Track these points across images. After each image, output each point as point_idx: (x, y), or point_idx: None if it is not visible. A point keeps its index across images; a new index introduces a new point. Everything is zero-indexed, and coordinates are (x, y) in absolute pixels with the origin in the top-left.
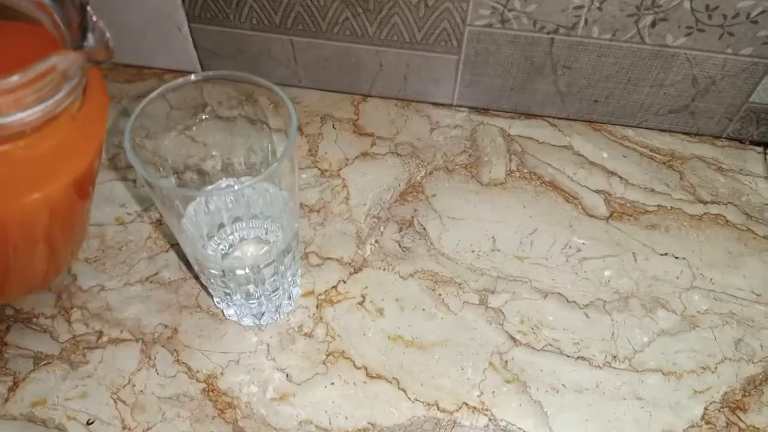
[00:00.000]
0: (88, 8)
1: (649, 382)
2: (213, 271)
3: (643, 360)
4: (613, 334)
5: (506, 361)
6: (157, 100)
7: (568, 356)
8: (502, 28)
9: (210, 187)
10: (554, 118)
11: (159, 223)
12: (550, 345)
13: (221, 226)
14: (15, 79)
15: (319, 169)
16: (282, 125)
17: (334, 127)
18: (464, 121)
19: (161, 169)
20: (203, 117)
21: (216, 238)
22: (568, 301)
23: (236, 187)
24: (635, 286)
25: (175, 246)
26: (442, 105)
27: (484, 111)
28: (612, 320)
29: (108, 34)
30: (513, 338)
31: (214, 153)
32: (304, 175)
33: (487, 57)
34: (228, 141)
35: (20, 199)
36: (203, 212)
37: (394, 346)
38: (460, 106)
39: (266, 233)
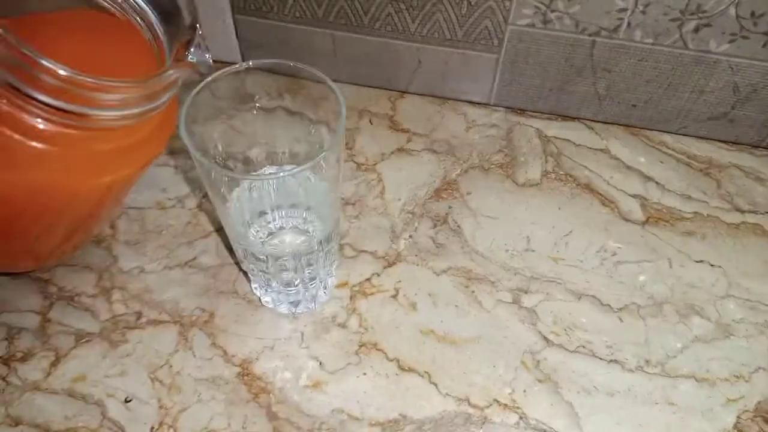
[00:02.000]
0: (200, 30)
1: (682, 389)
2: (255, 257)
3: (676, 366)
4: (646, 338)
5: (538, 361)
6: (206, 89)
7: (600, 359)
8: (543, 29)
9: (257, 173)
10: (591, 120)
11: (198, 209)
12: (583, 347)
13: (262, 213)
14: (149, 86)
15: (355, 162)
16: (324, 117)
17: (370, 122)
18: (500, 120)
19: (209, 155)
20: (255, 105)
21: (256, 225)
22: (602, 304)
23: (281, 174)
24: (670, 292)
25: (213, 233)
26: (479, 104)
27: (520, 111)
28: (645, 325)
29: (210, 54)
30: (546, 338)
31: (259, 141)
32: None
33: (527, 57)
34: (272, 131)
35: (95, 179)
36: (246, 198)
37: (426, 340)
38: (497, 105)
39: (304, 222)
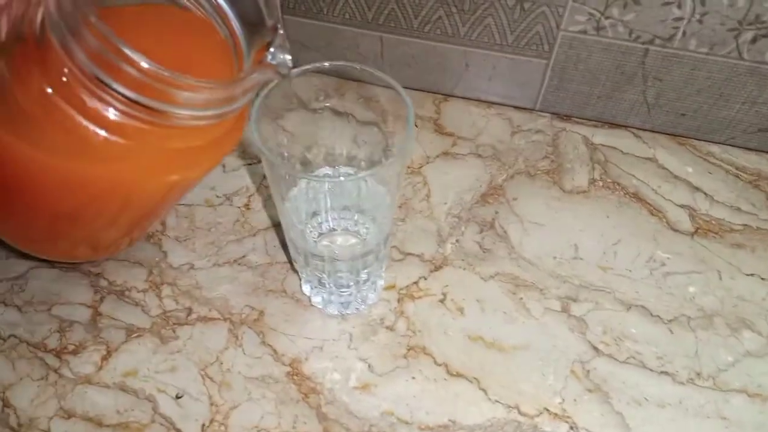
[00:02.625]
0: (281, 30)
1: (734, 403)
2: (312, 257)
3: (728, 380)
4: (696, 351)
5: (588, 371)
6: (276, 88)
7: (651, 370)
8: (596, 35)
9: (323, 173)
10: (638, 129)
11: (246, 208)
12: (633, 357)
13: (315, 214)
14: (233, 88)
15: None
16: (384, 121)
17: (416, 125)
18: (546, 126)
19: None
20: (317, 106)
21: (309, 226)
22: (651, 314)
23: (342, 178)
24: (720, 305)
25: (262, 231)
26: (524, 109)
27: (566, 117)
28: (696, 337)
29: (290, 56)
30: (595, 348)
31: (317, 142)
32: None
33: (577, 63)
34: (329, 132)
35: (163, 177)
36: (303, 199)
37: (474, 346)
38: (542, 111)
39: (355, 225)
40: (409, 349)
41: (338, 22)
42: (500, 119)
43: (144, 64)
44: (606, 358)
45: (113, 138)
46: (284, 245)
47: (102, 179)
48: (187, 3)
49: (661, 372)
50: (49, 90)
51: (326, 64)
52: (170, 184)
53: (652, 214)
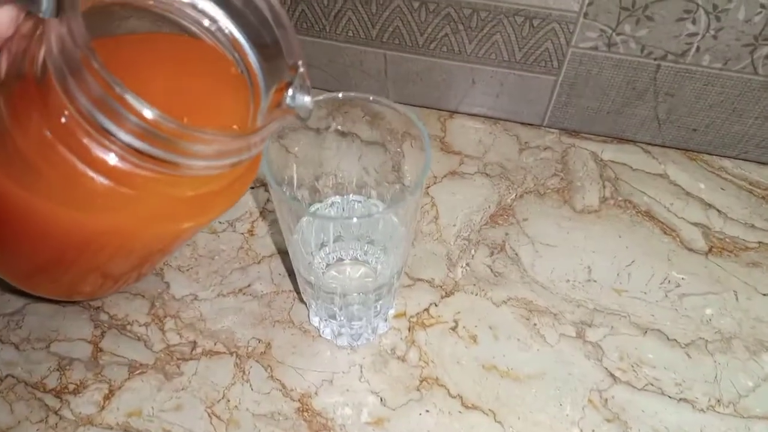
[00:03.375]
0: (302, 69)
1: (756, 430)
2: (322, 291)
3: (749, 406)
4: (716, 376)
5: (606, 399)
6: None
7: (670, 397)
8: (607, 51)
9: (331, 201)
10: (648, 144)
11: (250, 234)
12: (651, 384)
13: (322, 245)
14: (250, 139)
15: (403, 184)
16: (379, 138)
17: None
18: (554, 143)
19: (284, 184)
20: (326, 133)
21: (317, 257)
22: (668, 338)
23: (354, 220)
24: (738, 327)
25: (266, 258)
26: (531, 125)
27: (575, 133)
28: (715, 361)
29: (311, 97)
30: (612, 375)
31: (326, 171)
32: (390, 188)
33: (587, 79)
34: (340, 159)
35: (169, 226)
36: (311, 230)
37: (488, 375)
38: (550, 127)
39: (365, 254)
40: (422, 381)
41: (341, 40)
42: (507, 136)
43: (149, 115)
44: (624, 385)
45: (117, 187)
46: (290, 273)
47: (106, 229)
48: (200, 32)
49: (681, 399)
50: (48, 133)
51: (339, 95)
52: (180, 231)
53: (665, 233)
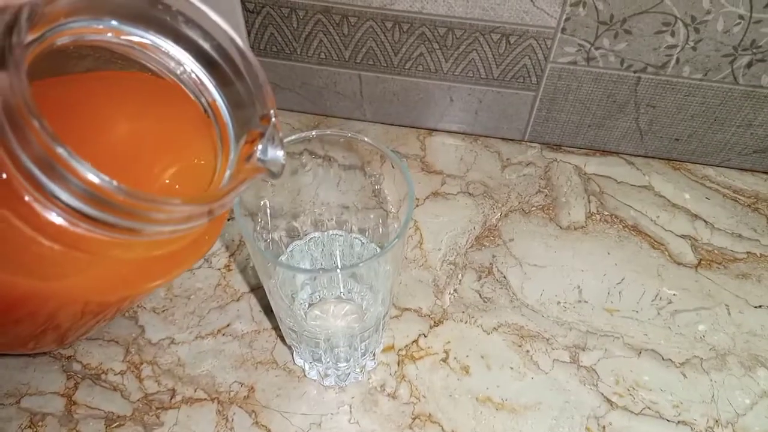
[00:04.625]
0: (274, 120)
1: None
2: (306, 337)
3: (747, 425)
4: (713, 395)
5: (603, 426)
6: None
7: (668, 420)
8: (586, 66)
9: (310, 237)
10: (631, 155)
11: (227, 269)
12: (648, 408)
13: (305, 283)
14: (221, 202)
15: (384, 210)
16: (357, 162)
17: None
18: (536, 157)
19: (257, 223)
20: (301, 168)
21: (299, 298)
22: (663, 358)
23: (339, 270)
24: (732, 342)
25: (245, 294)
26: (512, 140)
27: (556, 147)
28: (711, 380)
29: (283, 151)
30: (609, 400)
31: (305, 208)
32: (371, 216)
33: (566, 94)
34: (318, 195)
35: (136, 288)
36: (290, 273)
37: (483, 409)
38: (531, 141)
39: (349, 293)
40: (414, 418)
41: (314, 62)
42: (488, 152)
43: (96, 181)
44: (621, 410)
45: (66, 251)
46: (270, 309)
47: (61, 294)
48: (165, 74)
49: (679, 422)
50: None
51: (313, 133)
52: (143, 291)
53: (654, 248)
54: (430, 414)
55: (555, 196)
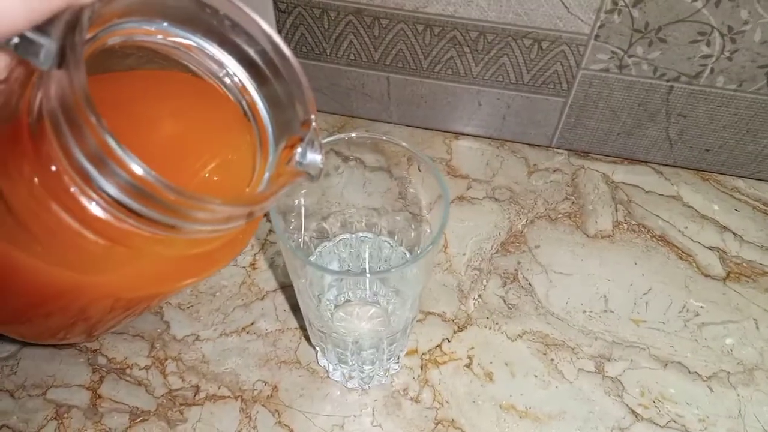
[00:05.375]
0: (315, 125)
1: None
2: (334, 338)
3: None
4: (740, 410)
5: None
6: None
7: None
8: (618, 73)
9: (338, 243)
10: (659, 164)
11: (253, 268)
12: (674, 421)
13: (330, 285)
14: (263, 205)
15: (411, 213)
16: (383, 164)
17: (420, 169)
18: (563, 164)
19: (289, 223)
20: (336, 171)
21: (324, 299)
22: (689, 371)
23: (368, 275)
24: (759, 357)
25: (270, 293)
26: (539, 146)
27: (584, 154)
28: (738, 395)
29: (321, 156)
30: (634, 412)
31: (334, 210)
32: (401, 218)
33: (597, 101)
34: (348, 198)
35: (172, 285)
36: (319, 273)
37: (506, 416)
38: (558, 148)
39: (375, 295)
40: (437, 423)
41: (343, 64)
42: (515, 158)
43: (150, 179)
44: (646, 423)
45: (108, 245)
46: (295, 309)
47: (98, 288)
48: (207, 76)
49: None
50: (36, 180)
51: (353, 134)
52: (177, 288)
53: (681, 259)
54: (453, 419)
55: (582, 203)
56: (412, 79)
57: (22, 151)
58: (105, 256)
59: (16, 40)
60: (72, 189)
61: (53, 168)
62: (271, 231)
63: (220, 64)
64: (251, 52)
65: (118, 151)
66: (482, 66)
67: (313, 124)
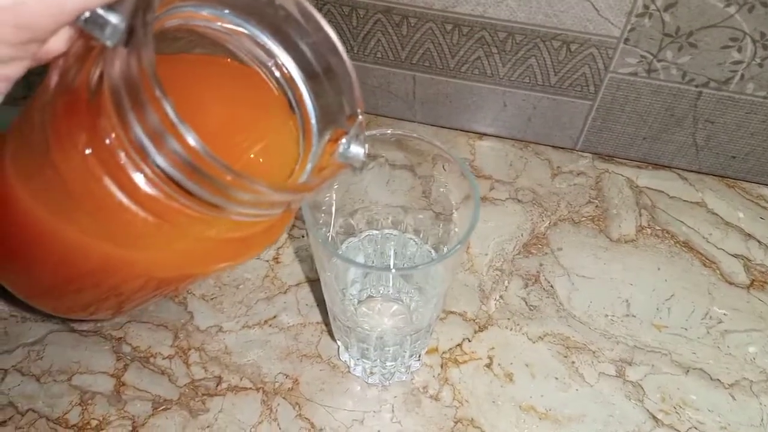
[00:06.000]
0: (361, 119)
1: None
2: (358, 333)
3: None
4: (762, 419)
5: None
6: None
7: None
8: (647, 78)
9: (364, 239)
10: (684, 170)
11: (276, 262)
12: (695, 428)
13: (354, 281)
14: (307, 194)
15: (434, 212)
16: (407, 162)
17: (444, 168)
18: (588, 167)
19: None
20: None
21: (348, 294)
22: (711, 378)
23: (393, 270)
24: None
25: (292, 287)
26: (563, 149)
27: (608, 158)
28: (760, 403)
29: (365, 150)
30: (654, 417)
31: (361, 206)
32: (426, 217)
33: (624, 105)
34: (375, 194)
35: (216, 264)
36: (345, 267)
37: (526, 417)
38: (583, 151)
39: (398, 293)
40: (456, 422)
41: (369, 61)
42: (539, 160)
43: (211, 162)
44: (666, 428)
45: (153, 221)
46: (317, 303)
47: (137, 264)
48: (255, 66)
49: None
50: (89, 151)
51: (389, 131)
52: (214, 270)
53: (705, 265)
54: (472, 419)
55: (605, 207)
56: (438, 78)
57: (79, 124)
58: (148, 233)
59: (86, 15)
60: (125, 163)
61: (108, 141)
62: (295, 226)
63: (270, 54)
64: (303, 44)
65: (181, 128)
66: (509, 67)
67: (360, 118)
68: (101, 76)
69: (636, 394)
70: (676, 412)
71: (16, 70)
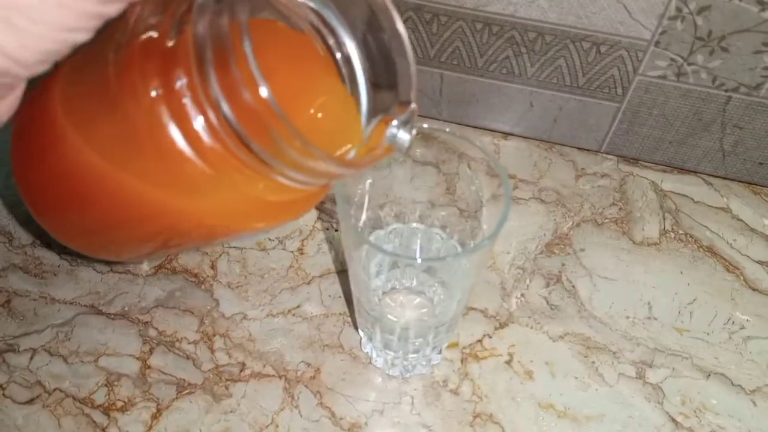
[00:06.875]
0: (414, 106)
1: None
2: (383, 324)
3: None
4: None
5: None
6: None
7: None
8: (676, 81)
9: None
10: (710, 175)
11: (300, 253)
12: None
13: (379, 272)
14: (358, 170)
15: (458, 208)
16: (432, 158)
17: (468, 167)
18: (612, 170)
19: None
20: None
21: (373, 284)
22: (732, 384)
23: (419, 259)
24: None
25: (316, 279)
26: (588, 150)
27: (633, 161)
28: None
29: (411, 136)
30: (674, 420)
31: (389, 200)
32: (451, 212)
33: (651, 108)
34: (403, 189)
35: (253, 223)
36: (372, 256)
37: (545, 415)
38: (608, 153)
39: (421, 285)
40: (475, 417)
41: None
42: (563, 161)
43: (287, 130)
44: (686, 431)
45: (212, 174)
46: (340, 295)
47: (185, 213)
48: (313, 36)
49: None
50: (162, 99)
51: (424, 125)
52: (250, 228)
53: (729, 271)
54: (491, 414)
55: (629, 210)
56: (465, 77)
57: (154, 69)
58: (201, 183)
59: None
60: (193, 113)
61: (181, 90)
62: (318, 219)
63: (332, 32)
64: (367, 28)
65: (262, 86)
66: (538, 67)
67: (413, 105)
68: (183, 23)
69: (656, 397)
70: (696, 416)
71: (115, 8)
